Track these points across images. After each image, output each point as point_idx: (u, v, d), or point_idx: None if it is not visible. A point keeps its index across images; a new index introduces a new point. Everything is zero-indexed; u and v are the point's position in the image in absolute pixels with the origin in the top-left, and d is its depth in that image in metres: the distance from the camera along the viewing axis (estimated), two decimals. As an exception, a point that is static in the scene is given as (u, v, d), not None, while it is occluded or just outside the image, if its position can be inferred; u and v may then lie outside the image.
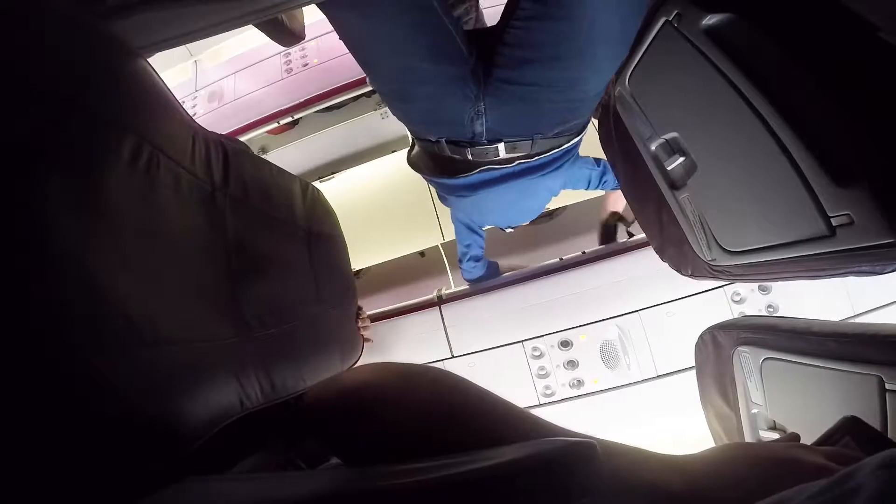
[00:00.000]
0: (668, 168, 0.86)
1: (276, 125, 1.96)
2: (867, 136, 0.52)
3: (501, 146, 0.90)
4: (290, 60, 2.04)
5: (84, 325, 0.47)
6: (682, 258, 0.99)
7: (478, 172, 0.95)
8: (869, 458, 0.24)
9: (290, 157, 2.18)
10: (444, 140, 0.92)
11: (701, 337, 0.97)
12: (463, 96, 0.81)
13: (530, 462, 0.31)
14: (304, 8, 1.39)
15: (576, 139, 0.97)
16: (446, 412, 0.39)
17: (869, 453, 0.24)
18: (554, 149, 0.95)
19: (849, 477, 0.23)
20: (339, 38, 0.80)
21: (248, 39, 2.18)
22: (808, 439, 0.73)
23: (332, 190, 2.04)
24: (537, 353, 1.72)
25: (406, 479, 0.30)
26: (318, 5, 0.73)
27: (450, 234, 2.12)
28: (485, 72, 0.78)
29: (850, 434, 0.48)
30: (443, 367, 1.68)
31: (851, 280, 0.93)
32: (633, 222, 1.61)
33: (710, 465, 0.40)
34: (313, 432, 0.42)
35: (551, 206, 1.65)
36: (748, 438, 0.84)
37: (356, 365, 1.17)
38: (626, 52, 0.81)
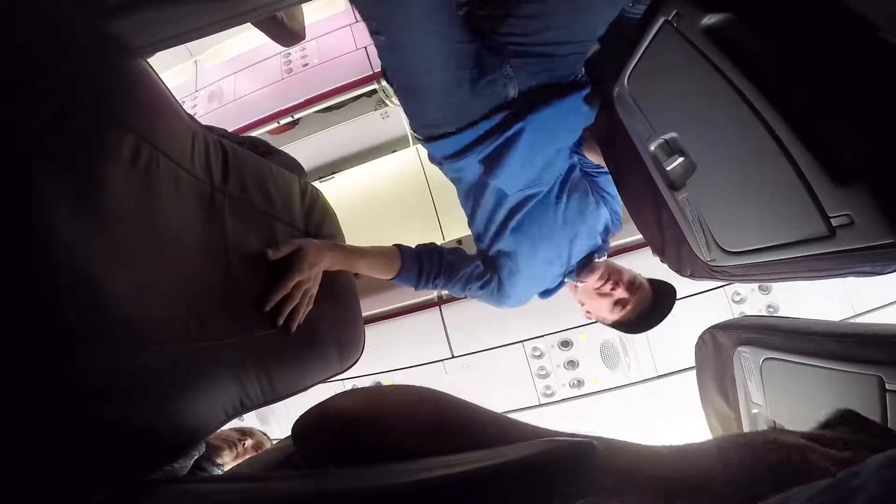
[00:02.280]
0: (667, 168, 0.86)
1: (276, 125, 1.96)
2: (867, 135, 0.52)
3: None
4: (291, 60, 2.04)
5: (84, 326, 0.47)
6: (681, 259, 0.99)
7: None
8: (872, 457, 0.24)
9: (289, 157, 2.18)
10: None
11: (701, 337, 0.97)
12: (493, 65, 0.89)
13: (531, 462, 0.31)
14: (303, 8, 1.39)
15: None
16: (430, 433, 0.41)
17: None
18: None
19: (852, 476, 0.23)
20: (387, 46, 0.87)
21: (249, 39, 2.18)
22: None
23: (332, 190, 2.04)
24: (537, 353, 1.72)
25: (406, 479, 0.30)
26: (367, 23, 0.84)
27: (450, 234, 2.12)
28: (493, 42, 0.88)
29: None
30: (443, 367, 1.67)
31: (851, 280, 0.93)
32: None
33: (711, 452, 0.40)
34: (305, 455, 0.44)
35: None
36: (748, 438, 0.84)
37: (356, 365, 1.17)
38: None
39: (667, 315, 1.16)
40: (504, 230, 1.07)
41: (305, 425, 0.43)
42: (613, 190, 1.20)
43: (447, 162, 1.03)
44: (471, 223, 1.13)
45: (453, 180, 1.11)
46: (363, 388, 0.47)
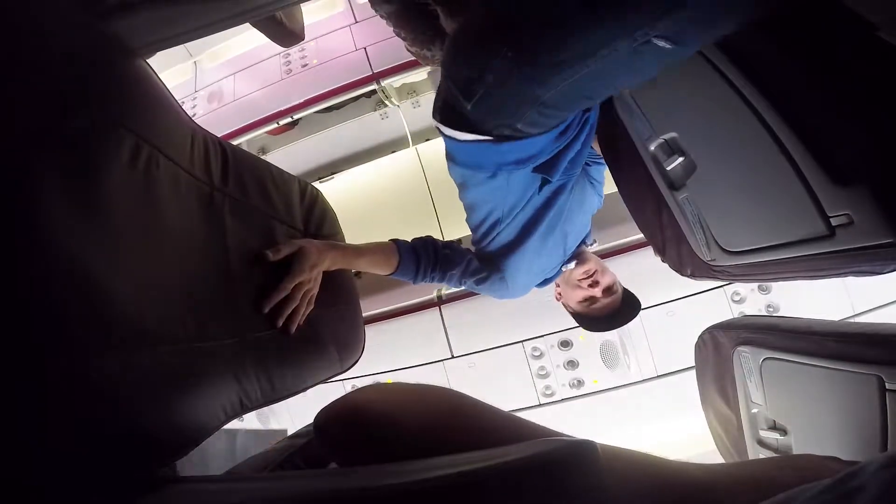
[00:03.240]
0: (668, 168, 0.86)
1: (275, 125, 1.96)
2: (867, 135, 0.52)
3: None
4: (290, 61, 2.04)
5: (84, 327, 0.47)
6: (681, 258, 0.99)
7: None
8: (872, 457, 0.24)
9: (289, 157, 2.18)
10: None
11: (701, 337, 0.97)
12: None
13: (531, 461, 0.31)
14: (302, 8, 1.39)
15: None
16: (447, 429, 0.41)
17: None
18: None
19: (852, 476, 0.23)
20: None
21: (248, 40, 2.18)
22: (808, 438, 0.73)
23: (332, 190, 2.04)
24: (537, 353, 1.72)
25: (406, 479, 0.30)
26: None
27: (449, 234, 2.12)
28: None
29: None
30: (443, 367, 1.67)
31: (851, 280, 0.93)
32: None
33: (725, 469, 0.40)
34: (325, 449, 0.44)
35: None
36: (748, 438, 0.84)
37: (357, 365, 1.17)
38: None
39: (620, 326, 1.25)
40: (521, 228, 1.05)
41: (327, 417, 0.43)
42: (600, 177, 1.24)
43: (508, 168, 0.94)
44: (482, 227, 1.07)
45: (477, 202, 1.03)
46: (387, 383, 0.47)
